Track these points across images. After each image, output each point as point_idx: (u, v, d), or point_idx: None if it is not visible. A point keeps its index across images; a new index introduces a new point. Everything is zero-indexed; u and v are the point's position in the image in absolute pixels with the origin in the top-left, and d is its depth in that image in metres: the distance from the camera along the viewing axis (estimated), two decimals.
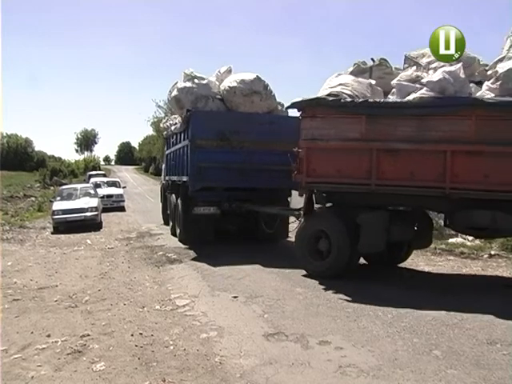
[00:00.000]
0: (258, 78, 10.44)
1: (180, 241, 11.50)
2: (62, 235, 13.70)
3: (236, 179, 10.21)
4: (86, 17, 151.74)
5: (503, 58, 7.29)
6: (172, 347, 4.71)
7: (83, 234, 13.83)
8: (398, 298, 6.46)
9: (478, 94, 7.10)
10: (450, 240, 11.65)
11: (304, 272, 8.03)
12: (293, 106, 8.46)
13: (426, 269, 8.93)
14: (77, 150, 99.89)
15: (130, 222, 17.46)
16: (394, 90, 7.76)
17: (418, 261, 9.69)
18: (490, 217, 6.95)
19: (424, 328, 5.27)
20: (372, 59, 8.55)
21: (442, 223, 10.66)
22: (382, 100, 7.65)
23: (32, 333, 5.19)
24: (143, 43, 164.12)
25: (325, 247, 7.87)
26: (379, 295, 6.65)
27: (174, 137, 12.85)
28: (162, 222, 15.43)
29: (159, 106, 48.19)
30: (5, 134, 54.73)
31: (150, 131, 58.25)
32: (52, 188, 32.64)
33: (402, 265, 9.08)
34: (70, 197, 16.93)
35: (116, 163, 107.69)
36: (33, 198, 25.33)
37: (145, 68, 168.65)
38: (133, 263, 9.21)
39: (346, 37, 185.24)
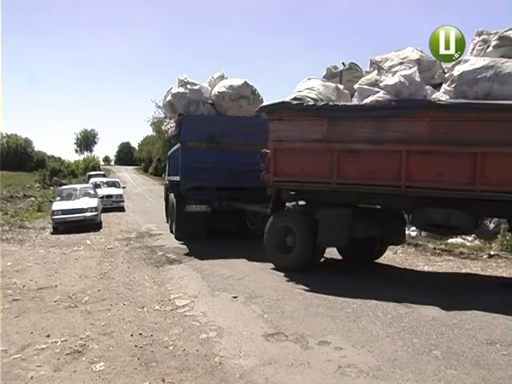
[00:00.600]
0: (245, 84, 11.07)
1: (176, 238, 11.96)
2: (62, 235, 13.69)
3: (225, 179, 10.67)
4: (85, 17, 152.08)
5: (461, 60, 7.51)
6: (171, 347, 4.71)
7: (83, 234, 13.82)
8: (397, 299, 6.46)
9: (433, 96, 7.43)
10: (450, 240, 11.65)
11: (304, 272, 8.03)
12: (261, 109, 9.15)
13: (426, 269, 8.94)
14: (76, 151, 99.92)
15: (130, 222, 17.46)
16: (355, 93, 8.15)
17: (418, 261, 9.70)
18: (445, 214, 7.26)
19: (424, 328, 5.28)
20: (342, 63, 8.91)
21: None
22: (342, 103, 8.01)
23: (31, 333, 5.19)
24: (143, 43, 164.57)
25: (291, 243, 8.39)
26: (379, 296, 6.65)
27: (172, 139, 13.46)
28: (166, 220, 15.56)
29: (159, 107, 48.17)
30: (4, 134, 54.74)
31: (150, 131, 58.33)
32: (52, 188, 32.59)
33: (402, 265, 9.10)
34: (69, 197, 16.92)
35: (116, 163, 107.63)
36: (32, 198, 25.31)
37: (144, 68, 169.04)
38: (132, 263, 9.21)
39: (345, 37, 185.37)
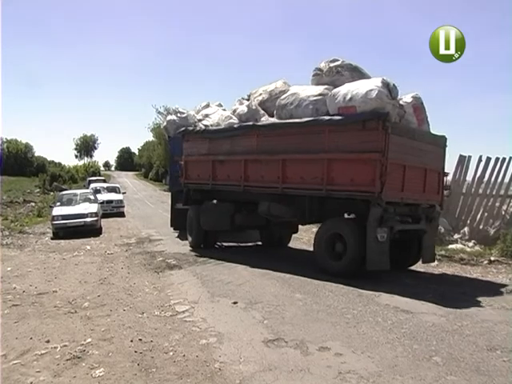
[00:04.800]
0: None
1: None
2: (62, 241, 13.70)
3: None
4: (86, 23, 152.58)
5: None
6: (171, 353, 4.70)
7: (83, 239, 13.83)
8: (397, 305, 6.47)
9: (262, 119, 10.17)
10: (450, 246, 11.67)
11: (304, 278, 8.05)
12: (178, 133, 12.49)
13: (426, 275, 8.93)
14: (76, 156, 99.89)
15: (130, 227, 17.45)
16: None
17: (418, 267, 9.69)
18: (267, 206, 10.11)
19: (424, 334, 5.27)
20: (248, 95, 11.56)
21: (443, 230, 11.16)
22: (214, 128, 11.29)
23: (31, 338, 5.18)
24: (144, 49, 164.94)
25: (190, 230, 12.22)
26: (379, 301, 6.66)
27: None
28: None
29: (159, 112, 48.53)
30: (5, 139, 54.80)
31: (150, 137, 58.50)
32: (52, 193, 32.62)
33: (402, 271, 9.07)
34: (69, 202, 16.94)
35: (116, 169, 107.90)
36: (32, 204, 25.32)
37: (145, 74, 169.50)
38: (132, 269, 9.21)
39: (344, 43, 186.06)
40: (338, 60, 9.45)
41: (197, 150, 11.79)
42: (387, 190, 7.88)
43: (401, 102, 8.58)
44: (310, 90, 9.39)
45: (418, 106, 8.86)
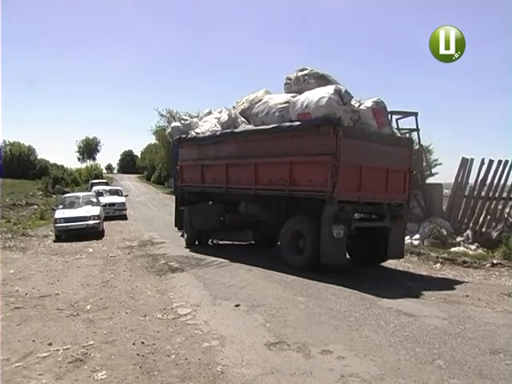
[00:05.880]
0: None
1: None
2: (64, 243, 13.73)
3: None
4: (89, 25, 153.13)
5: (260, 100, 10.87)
6: (174, 356, 4.70)
7: (85, 242, 13.87)
8: (400, 308, 6.45)
9: (241, 127, 10.98)
10: (453, 249, 11.65)
11: (306, 281, 8.05)
12: (175, 141, 13.54)
13: (428, 278, 8.91)
14: (79, 159, 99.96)
15: (132, 230, 17.48)
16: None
17: (420, 270, 9.69)
18: (245, 206, 11.17)
19: (426, 337, 5.25)
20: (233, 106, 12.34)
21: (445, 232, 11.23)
22: (201, 135, 12.23)
23: (33, 341, 5.18)
24: (147, 51, 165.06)
25: (185, 228, 13.34)
26: (381, 304, 6.65)
27: None
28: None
29: (162, 115, 48.57)
30: (8, 142, 54.84)
31: (153, 140, 58.56)
32: (54, 196, 32.63)
33: (404, 274, 9.05)
34: (72, 205, 16.97)
35: (118, 171, 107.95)
36: (35, 206, 25.38)
37: (148, 76, 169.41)
38: (135, 272, 9.21)
39: (348, 45, 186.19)
40: (306, 69, 10.21)
41: (189, 156, 12.92)
42: (339, 189, 8.51)
43: (361, 107, 9.37)
44: (278, 99, 10.19)
45: (378, 109, 9.43)
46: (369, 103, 9.43)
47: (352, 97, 9.02)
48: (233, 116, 11.33)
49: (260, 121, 10.38)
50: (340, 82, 9.84)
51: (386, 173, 9.32)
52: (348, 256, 9.70)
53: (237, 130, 10.91)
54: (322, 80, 9.85)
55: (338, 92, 8.69)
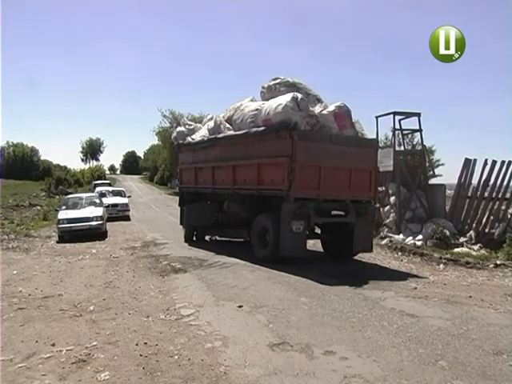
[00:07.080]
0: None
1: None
2: (67, 244, 13.75)
3: None
4: (91, 26, 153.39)
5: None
6: (177, 357, 4.70)
7: (88, 243, 13.89)
8: (403, 308, 6.44)
9: (225, 132, 12.04)
10: (456, 250, 11.61)
11: (309, 282, 8.05)
12: (176, 146, 15.05)
13: (431, 278, 8.89)
14: (82, 159, 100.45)
15: (135, 231, 17.50)
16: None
17: (423, 270, 9.66)
18: (227, 205, 12.32)
19: (429, 338, 5.25)
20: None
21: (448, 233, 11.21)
22: (194, 141, 13.42)
23: (37, 342, 5.19)
24: (149, 52, 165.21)
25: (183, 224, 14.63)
26: (384, 305, 6.64)
27: None
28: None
29: (164, 116, 48.69)
30: (11, 143, 55.09)
31: (156, 141, 58.68)
32: (57, 197, 32.72)
33: (407, 275, 9.03)
34: (75, 206, 16.99)
35: (121, 172, 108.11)
36: (38, 207, 25.45)
37: (151, 77, 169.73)
38: (138, 272, 9.22)
39: (350, 47, 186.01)
40: (278, 78, 11.28)
41: (187, 160, 14.36)
42: (295, 188, 9.39)
43: (324, 112, 10.20)
44: (251, 106, 11.23)
45: (339, 113, 10.22)
46: (331, 108, 10.24)
47: (307, 104, 9.92)
48: (218, 123, 12.43)
49: (237, 127, 11.54)
50: (313, 87, 11.10)
51: (348, 172, 10.04)
52: (323, 250, 11.42)
53: (219, 136, 12.06)
54: (292, 88, 10.73)
55: (294, 99, 9.59)
